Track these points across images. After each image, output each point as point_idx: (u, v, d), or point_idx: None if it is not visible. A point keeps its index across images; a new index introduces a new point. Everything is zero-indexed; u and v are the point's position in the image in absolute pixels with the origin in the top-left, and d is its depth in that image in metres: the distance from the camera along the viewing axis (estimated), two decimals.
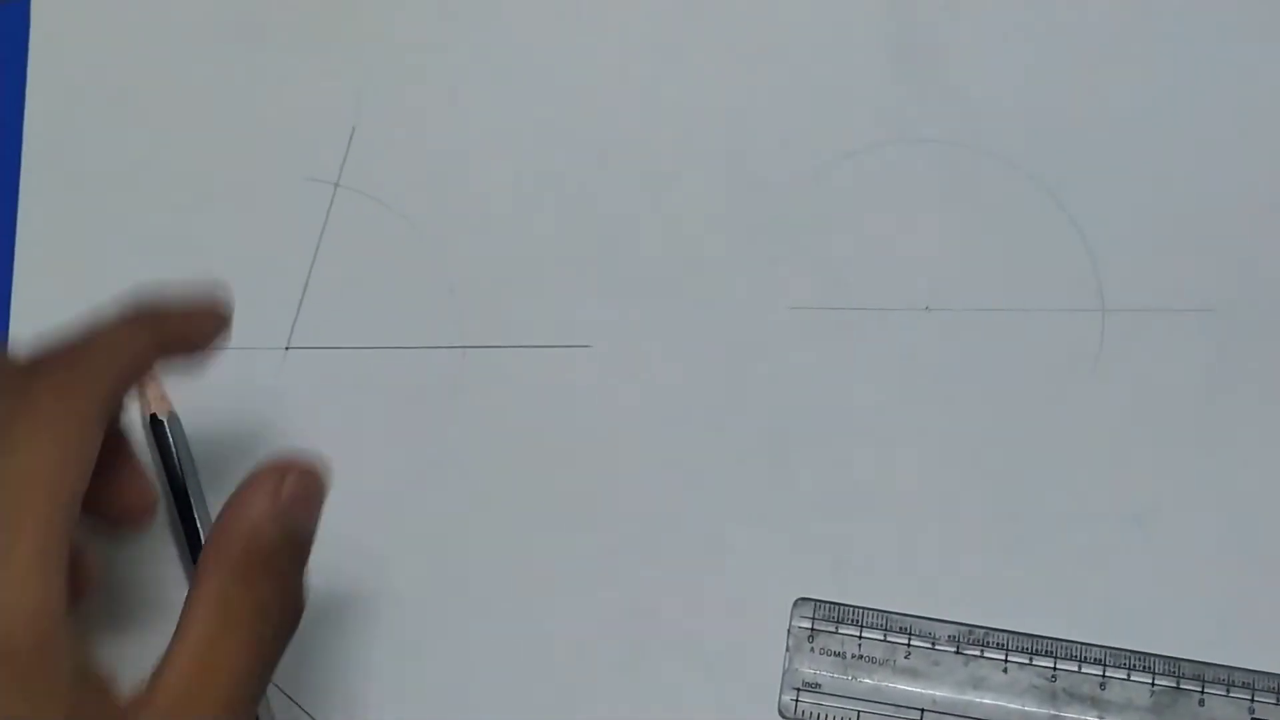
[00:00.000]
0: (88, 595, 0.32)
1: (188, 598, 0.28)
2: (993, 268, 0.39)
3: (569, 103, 0.41)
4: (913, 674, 0.36)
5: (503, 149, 0.41)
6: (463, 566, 0.38)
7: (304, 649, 0.37)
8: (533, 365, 0.39)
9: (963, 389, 0.38)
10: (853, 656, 0.36)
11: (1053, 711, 0.35)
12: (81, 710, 0.26)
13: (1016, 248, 0.39)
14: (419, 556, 0.38)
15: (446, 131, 0.41)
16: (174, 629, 0.27)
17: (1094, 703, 0.35)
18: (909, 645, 0.36)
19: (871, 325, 0.39)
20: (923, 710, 0.35)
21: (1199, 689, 0.35)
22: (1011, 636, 0.36)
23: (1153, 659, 0.35)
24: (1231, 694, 0.35)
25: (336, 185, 0.41)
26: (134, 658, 0.27)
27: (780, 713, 0.36)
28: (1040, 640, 0.36)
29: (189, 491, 0.38)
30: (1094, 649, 0.35)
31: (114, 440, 0.31)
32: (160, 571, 0.38)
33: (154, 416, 0.38)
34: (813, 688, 0.36)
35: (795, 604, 0.36)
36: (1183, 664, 0.35)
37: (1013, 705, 0.35)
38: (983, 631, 0.36)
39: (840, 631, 0.36)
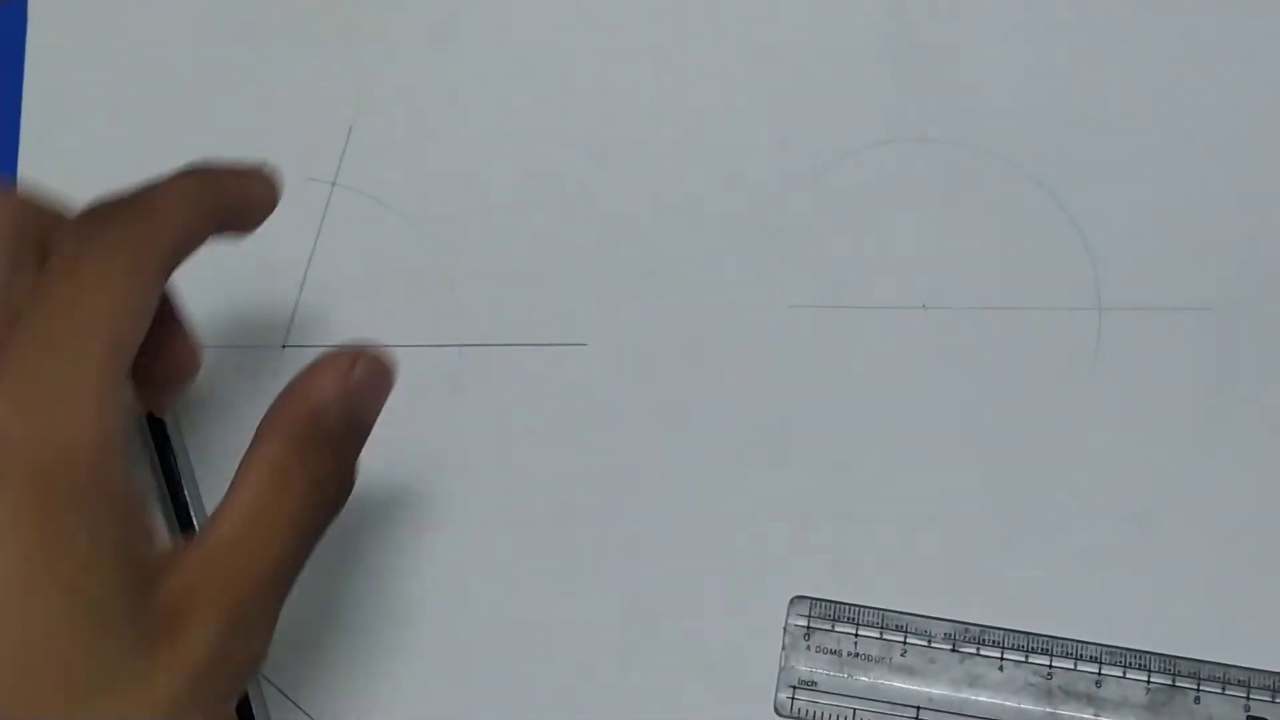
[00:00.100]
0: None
1: (243, 461, 0.28)
2: (990, 266, 0.39)
3: (566, 101, 0.41)
4: (909, 672, 0.36)
5: (500, 147, 0.41)
6: (459, 564, 0.38)
7: (302, 649, 0.37)
8: (530, 363, 0.39)
9: (960, 387, 0.38)
10: (849, 654, 0.36)
11: (1048, 709, 0.35)
12: (134, 546, 0.27)
13: (1014, 246, 0.39)
14: (416, 555, 0.38)
15: (444, 130, 0.41)
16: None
17: (1090, 700, 0.35)
18: (905, 643, 0.36)
19: (869, 324, 0.39)
20: (919, 708, 0.35)
21: (1195, 687, 0.35)
22: (1007, 634, 0.36)
23: (1148, 656, 0.35)
24: (1227, 692, 0.35)
25: (334, 184, 0.41)
26: None
27: (776, 710, 0.36)
28: (1036, 638, 0.36)
29: (186, 491, 0.38)
30: (1090, 647, 0.35)
31: (163, 302, 0.32)
32: None
33: (151, 416, 0.38)
34: (809, 686, 0.36)
35: (791, 602, 0.36)
36: (1179, 662, 0.35)
37: (1009, 703, 0.35)
38: (978, 629, 0.36)
39: (836, 629, 0.36)
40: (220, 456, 0.39)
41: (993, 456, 0.37)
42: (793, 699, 0.36)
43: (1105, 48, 0.40)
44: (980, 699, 0.35)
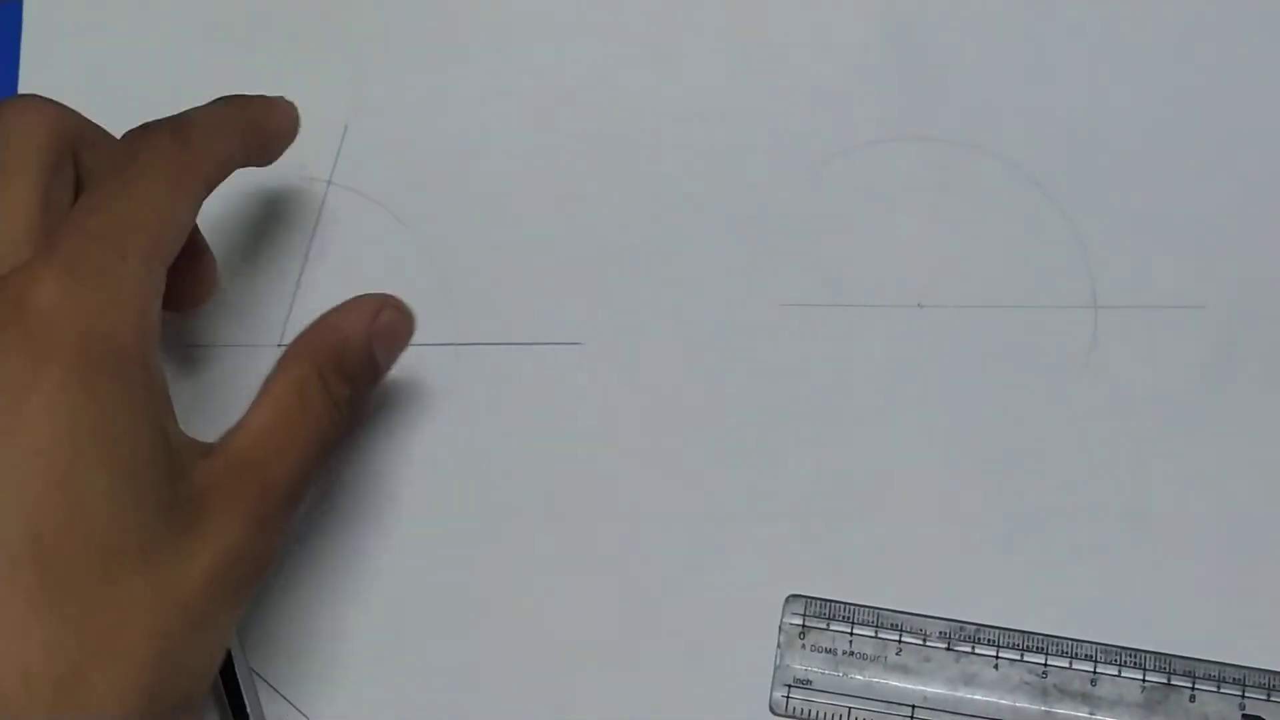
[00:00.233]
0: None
1: (268, 380, 0.31)
2: (985, 264, 0.39)
3: (561, 99, 0.41)
4: (904, 670, 0.36)
5: (495, 146, 0.41)
6: (454, 563, 0.38)
7: (299, 647, 0.37)
8: (525, 362, 0.39)
9: (955, 385, 0.38)
10: (844, 653, 0.36)
11: (1044, 708, 0.35)
12: (168, 429, 0.29)
13: (1009, 243, 0.39)
14: (412, 554, 0.38)
15: (439, 129, 0.41)
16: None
17: (1085, 699, 0.35)
18: (900, 642, 0.36)
19: (864, 322, 0.39)
20: (914, 707, 0.35)
21: (1190, 685, 0.35)
22: (1003, 633, 0.36)
23: (1144, 655, 0.35)
24: (1223, 690, 0.35)
25: (329, 183, 0.41)
26: None
27: (771, 709, 0.36)
28: (1031, 636, 0.36)
29: None
30: (1085, 645, 0.35)
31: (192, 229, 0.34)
32: None
33: None
34: (804, 684, 0.36)
35: (786, 600, 0.36)
36: (1174, 660, 0.35)
37: (1004, 701, 0.35)
38: (974, 628, 0.36)
39: (831, 628, 0.36)
40: None
41: (988, 454, 0.37)
42: (788, 698, 0.36)
43: (1100, 48, 0.40)
44: (975, 698, 0.35)
